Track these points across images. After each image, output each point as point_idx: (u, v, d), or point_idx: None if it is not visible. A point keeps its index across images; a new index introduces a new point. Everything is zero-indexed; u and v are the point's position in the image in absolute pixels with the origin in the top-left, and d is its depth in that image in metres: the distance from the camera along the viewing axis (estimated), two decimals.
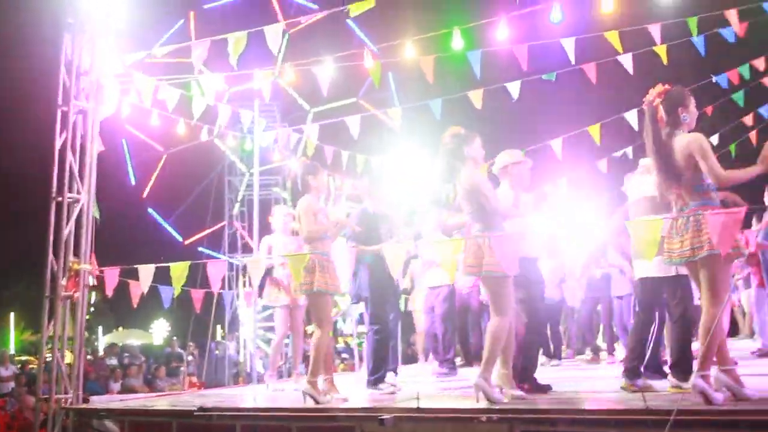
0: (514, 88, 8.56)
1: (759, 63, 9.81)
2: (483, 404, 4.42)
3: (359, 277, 6.18)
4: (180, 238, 19.43)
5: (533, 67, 7.63)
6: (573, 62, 7.83)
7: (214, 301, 8.85)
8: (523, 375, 5.15)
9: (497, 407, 4.29)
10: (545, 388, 5.18)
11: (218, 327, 20.66)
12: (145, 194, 17.73)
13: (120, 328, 40.81)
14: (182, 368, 16.81)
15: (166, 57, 6.88)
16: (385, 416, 4.29)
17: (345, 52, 7.12)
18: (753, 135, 12.05)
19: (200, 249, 17.41)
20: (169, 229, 19.36)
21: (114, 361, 16.35)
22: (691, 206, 4.08)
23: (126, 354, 18.52)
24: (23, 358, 25.60)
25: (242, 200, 18.98)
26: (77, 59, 6.84)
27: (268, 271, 7.09)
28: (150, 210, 16.88)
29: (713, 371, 3.92)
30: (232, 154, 15.36)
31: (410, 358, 14.43)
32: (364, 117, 8.66)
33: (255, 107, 8.86)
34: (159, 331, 45.40)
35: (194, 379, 15.79)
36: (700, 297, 4.15)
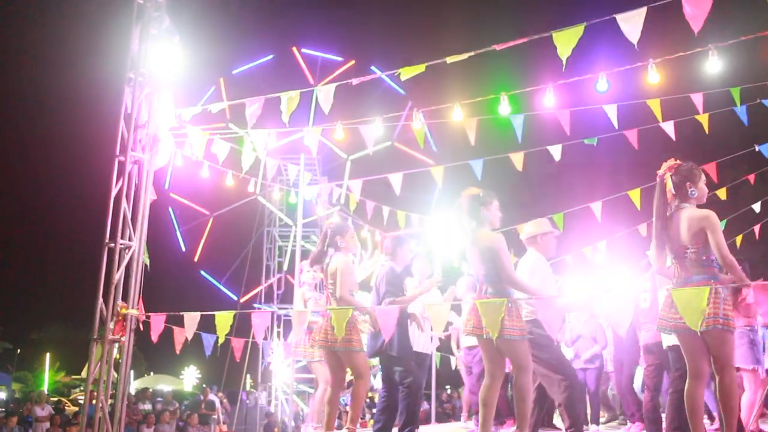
0: (556, 150, 8.71)
1: None
2: None
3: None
4: (235, 297, 19.86)
5: (576, 131, 7.76)
6: (616, 127, 7.96)
7: (248, 350, 8.94)
8: None
9: None
10: None
11: (248, 376, 20.80)
12: (196, 258, 18.36)
13: (151, 373, 41.04)
14: (214, 416, 16.84)
15: (220, 112, 7.17)
16: None
17: (388, 112, 7.35)
18: None
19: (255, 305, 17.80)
20: (224, 290, 19.77)
21: (147, 406, 16.43)
22: (694, 279, 4.20)
23: (159, 399, 18.63)
24: (55, 399, 25.88)
25: (284, 252, 19.37)
26: (135, 112, 7.18)
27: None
28: (203, 273, 17.40)
29: None
30: (276, 207, 15.76)
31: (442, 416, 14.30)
32: (406, 175, 8.82)
33: (301, 162, 9.12)
34: (189, 377, 45.53)
35: (225, 428, 15.77)
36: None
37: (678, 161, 4.47)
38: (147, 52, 7.13)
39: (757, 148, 10.17)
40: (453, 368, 9.95)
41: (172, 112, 7.41)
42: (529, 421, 4.76)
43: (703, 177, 4.44)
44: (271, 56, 20.12)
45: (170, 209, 19.84)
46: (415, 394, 6.09)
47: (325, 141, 13.66)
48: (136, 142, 7.19)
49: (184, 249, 20.25)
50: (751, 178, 11.00)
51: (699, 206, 4.39)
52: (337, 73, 20.30)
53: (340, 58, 20.93)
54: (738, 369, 6.54)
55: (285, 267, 19.60)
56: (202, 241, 19.81)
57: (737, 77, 7.89)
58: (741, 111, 8.51)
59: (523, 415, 4.71)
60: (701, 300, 4.07)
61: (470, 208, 4.92)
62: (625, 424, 8.74)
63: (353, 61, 20.84)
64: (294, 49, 20.79)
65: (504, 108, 6.64)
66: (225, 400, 17.72)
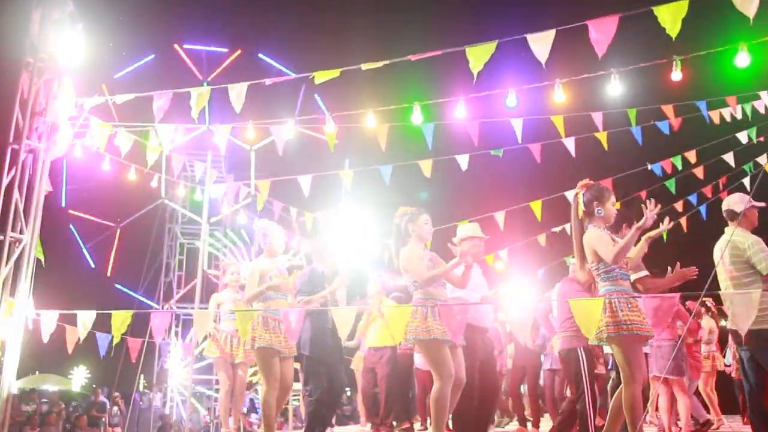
0: (463, 160, 8.94)
1: (690, 155, 10.51)
2: None
3: (301, 335, 6.20)
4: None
5: (483, 142, 7.97)
6: (520, 141, 8.25)
7: (143, 351, 8.66)
8: None
9: None
10: None
11: (141, 377, 20.17)
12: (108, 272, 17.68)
13: (36, 372, 38.97)
14: (103, 419, 16.21)
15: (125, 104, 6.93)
16: None
17: (302, 115, 7.31)
18: (683, 221, 12.78)
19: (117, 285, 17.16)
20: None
21: (31, 407, 15.61)
22: (601, 291, 4.43)
23: (44, 400, 17.73)
24: None
25: (185, 250, 18.90)
26: (32, 99, 6.83)
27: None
28: (118, 285, 16.77)
29: None
30: (180, 205, 15.35)
31: (342, 418, 14.31)
32: (315, 176, 8.80)
33: (208, 159, 8.92)
34: (78, 377, 43.55)
35: (118, 431, 15.21)
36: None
37: (590, 181, 4.70)
38: (48, 37, 6.79)
39: (649, 167, 10.80)
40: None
41: (73, 101, 7.08)
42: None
43: (612, 199, 4.65)
44: (152, 56, 19.61)
45: (71, 227, 19.14)
46: (317, 401, 6.10)
47: (234, 140, 13.41)
48: (32, 130, 6.84)
49: (93, 265, 19.53)
50: (643, 194, 11.62)
51: (608, 226, 4.60)
52: (225, 64, 20.11)
53: (224, 50, 20.68)
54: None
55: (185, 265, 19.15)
56: (113, 255, 19.21)
57: (635, 100, 8.34)
58: (636, 131, 8.99)
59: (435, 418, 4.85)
60: (597, 310, 4.27)
61: (400, 224, 5.19)
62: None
63: (239, 51, 20.63)
64: (176, 46, 20.37)
65: (416, 117, 6.75)
66: (121, 401, 17.07)
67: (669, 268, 5.07)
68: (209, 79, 19.50)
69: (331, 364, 6.37)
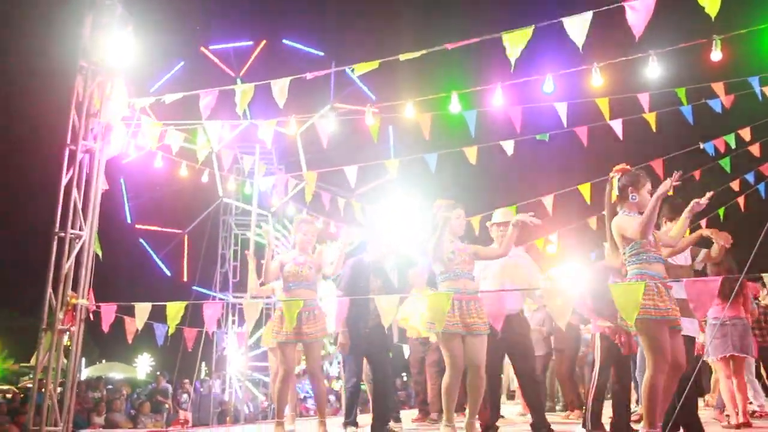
0: (508, 145, 8.91)
1: (744, 133, 10.22)
2: None
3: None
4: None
5: (527, 128, 7.95)
6: (565, 125, 8.18)
7: (202, 339, 8.96)
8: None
9: None
10: None
11: (202, 364, 20.76)
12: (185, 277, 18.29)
13: (103, 361, 40.41)
14: (166, 404, 16.73)
15: (174, 103, 7.16)
16: None
17: (345, 105, 7.43)
18: (741, 200, 12.45)
19: (195, 287, 17.64)
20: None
21: (98, 394, 16.23)
22: (630, 275, 4.44)
23: (109, 387, 18.41)
24: (4, 387, 25.36)
25: (239, 241, 19.33)
26: (87, 101, 7.11)
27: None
28: (196, 287, 17.35)
29: None
30: (233, 197, 15.71)
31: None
32: (361, 168, 8.90)
33: (256, 153, 9.12)
34: (143, 365, 45.00)
35: (188, 416, 15.68)
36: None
37: (627, 166, 4.66)
38: (99, 41, 7.04)
39: (701, 146, 10.54)
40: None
41: (125, 101, 7.34)
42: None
43: (648, 186, 4.59)
44: (181, 63, 19.87)
45: (141, 240, 19.92)
46: (351, 389, 6.32)
47: (280, 129, 13.64)
48: (87, 131, 7.12)
49: (168, 273, 20.37)
50: (697, 174, 11.37)
51: (641, 213, 4.55)
52: (253, 57, 20.29)
53: (250, 42, 20.87)
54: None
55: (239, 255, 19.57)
56: (185, 260, 19.93)
57: (680, 80, 8.18)
58: (686, 110, 8.81)
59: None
60: (636, 294, 4.26)
61: (437, 218, 5.28)
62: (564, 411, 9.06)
63: (264, 41, 20.77)
64: (203, 48, 20.64)
65: (454, 105, 6.78)
66: (190, 388, 17.63)
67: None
68: (241, 74, 19.79)
69: (371, 354, 6.49)
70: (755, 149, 10.88)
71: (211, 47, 20.68)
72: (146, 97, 7.28)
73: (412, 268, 8.30)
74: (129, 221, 19.21)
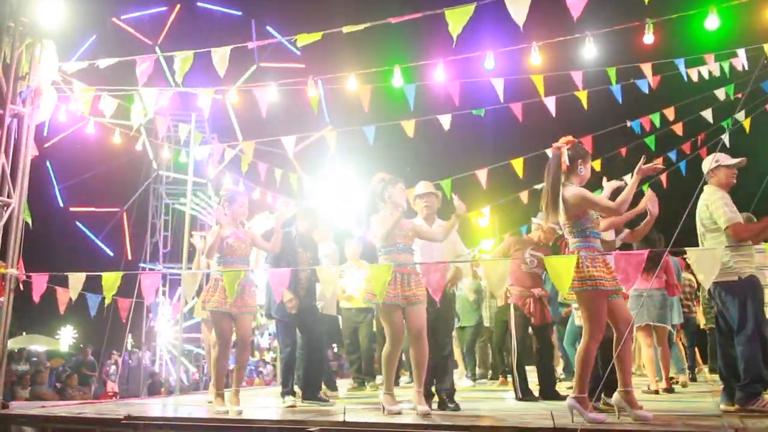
0: (445, 119, 9.06)
1: (669, 112, 10.69)
2: (407, 419, 4.73)
3: (271, 297, 6.42)
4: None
5: (463, 103, 8.09)
6: (502, 100, 8.37)
7: (131, 311, 8.80)
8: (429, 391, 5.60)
9: (417, 423, 4.58)
10: (457, 407, 5.52)
11: (129, 336, 20.41)
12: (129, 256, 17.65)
13: (24, 333, 39.12)
14: (93, 377, 16.46)
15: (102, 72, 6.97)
16: (312, 429, 4.52)
17: (287, 79, 7.39)
18: (663, 177, 13.04)
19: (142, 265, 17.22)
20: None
21: (23, 367, 15.79)
22: (571, 248, 4.58)
23: (34, 359, 17.92)
24: None
25: (170, 211, 18.97)
26: (15, 63, 6.84)
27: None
28: (142, 264, 16.76)
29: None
30: (165, 166, 15.35)
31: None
32: (299, 137, 8.89)
33: (192, 121, 8.96)
34: (66, 338, 43.78)
35: (115, 387, 15.45)
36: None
37: (573, 138, 4.78)
38: (28, 1, 6.77)
39: (629, 124, 10.97)
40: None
41: (55, 65, 7.10)
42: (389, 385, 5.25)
43: (590, 161, 4.76)
44: (93, 37, 19.10)
45: (78, 223, 19.16)
46: (287, 359, 6.37)
47: (218, 98, 13.40)
48: (15, 95, 6.87)
49: (111, 254, 19.71)
50: (623, 151, 11.81)
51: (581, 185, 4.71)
52: (170, 22, 19.78)
53: (163, 8, 20.31)
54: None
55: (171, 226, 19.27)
56: (128, 239, 19.28)
57: (613, 60, 8.45)
58: (616, 90, 9.12)
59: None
60: (569, 267, 4.45)
61: (378, 190, 5.36)
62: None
63: (178, 6, 20.26)
64: (115, 20, 19.96)
65: (397, 80, 6.84)
66: (118, 359, 17.33)
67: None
68: (159, 42, 19.23)
69: (303, 324, 6.56)
70: (678, 128, 11.40)
71: (123, 17, 19.98)
72: (79, 61, 7.05)
73: (349, 240, 8.38)
74: (61, 205, 18.57)
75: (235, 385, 5.79)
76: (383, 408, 5.14)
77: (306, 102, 7.52)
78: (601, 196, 4.59)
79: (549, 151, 10.44)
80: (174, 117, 11.94)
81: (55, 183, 18.20)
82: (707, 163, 5.18)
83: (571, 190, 4.58)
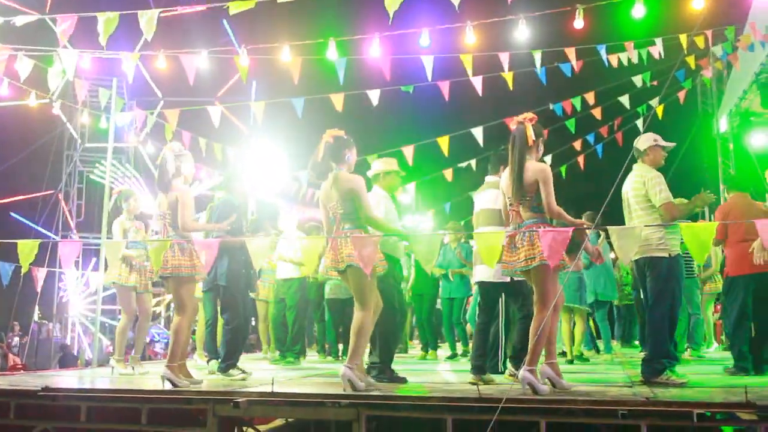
0: (374, 95, 9.09)
1: (589, 96, 11.08)
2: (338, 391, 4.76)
3: (217, 266, 6.25)
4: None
5: (395, 80, 8.14)
6: (430, 78, 8.47)
7: (39, 281, 8.49)
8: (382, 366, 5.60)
9: (346, 393, 4.63)
10: (401, 380, 5.53)
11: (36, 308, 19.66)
12: None
13: None
14: (2, 348, 15.82)
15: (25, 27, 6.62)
16: (239, 399, 4.51)
17: (214, 47, 7.22)
18: (581, 159, 13.54)
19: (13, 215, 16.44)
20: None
21: None
22: (526, 223, 4.67)
23: None
24: None
25: (81, 178, 18.31)
26: None
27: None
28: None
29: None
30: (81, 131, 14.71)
31: (247, 347, 14.54)
32: (226, 107, 8.73)
33: (113, 86, 8.62)
34: None
35: (17, 360, 14.90)
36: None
37: (535, 116, 4.86)
38: None
39: (551, 107, 11.31)
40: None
41: None
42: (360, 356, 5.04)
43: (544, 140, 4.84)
44: None
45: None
46: (234, 330, 6.22)
47: (143, 68, 12.95)
48: None
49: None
50: (545, 133, 12.14)
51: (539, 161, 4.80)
52: (184, 9, 19.04)
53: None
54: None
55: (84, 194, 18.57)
56: (69, 219, 18.31)
57: (541, 44, 8.68)
58: (540, 72, 9.37)
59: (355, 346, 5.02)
60: (497, 242, 4.59)
61: (335, 149, 4.99)
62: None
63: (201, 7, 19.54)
64: None
65: (331, 52, 6.79)
66: (19, 330, 16.68)
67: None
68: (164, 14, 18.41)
69: (244, 295, 6.52)
70: (597, 112, 11.82)
71: None
72: None
73: (279, 213, 8.34)
74: None
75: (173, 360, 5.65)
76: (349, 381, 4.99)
77: (234, 71, 7.40)
78: (551, 192, 4.65)
79: (474, 131, 10.68)
80: (93, 82, 11.48)
81: None
82: (643, 141, 5.30)
83: (535, 165, 4.69)
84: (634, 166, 5.32)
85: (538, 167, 4.68)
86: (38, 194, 16.77)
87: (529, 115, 4.83)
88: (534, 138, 4.72)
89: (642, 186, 5.14)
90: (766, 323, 6.15)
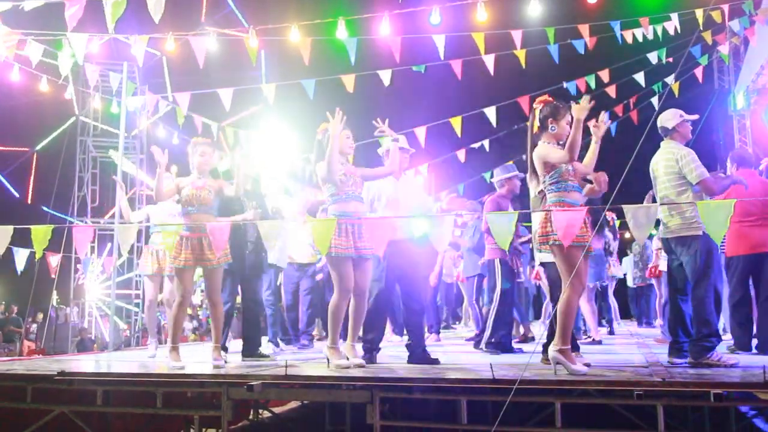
0: (385, 75, 8.99)
1: (603, 74, 10.90)
2: (354, 372, 4.79)
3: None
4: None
5: (406, 59, 8.04)
6: (442, 57, 8.37)
7: (58, 266, 8.54)
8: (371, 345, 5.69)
9: (360, 376, 4.64)
10: (434, 361, 5.53)
11: (54, 293, 19.83)
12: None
13: None
14: (19, 334, 16.02)
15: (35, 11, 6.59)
16: (253, 383, 4.51)
17: (224, 28, 7.16)
18: None
19: (45, 209, 16.55)
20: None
21: None
22: (549, 203, 4.65)
23: None
24: None
25: (96, 163, 18.36)
26: None
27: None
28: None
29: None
30: (92, 117, 14.69)
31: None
32: (236, 91, 8.67)
33: (124, 70, 8.60)
34: None
35: (33, 346, 15.08)
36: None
37: (549, 98, 4.82)
38: None
39: (564, 85, 11.14)
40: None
41: None
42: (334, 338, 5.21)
43: (568, 117, 4.69)
44: None
45: None
46: (228, 317, 6.34)
47: (152, 51, 12.90)
48: None
49: (17, 195, 18.71)
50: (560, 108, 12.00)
51: (561, 144, 4.70)
52: None
53: None
54: None
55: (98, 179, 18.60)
56: (31, 182, 18.36)
57: (553, 21, 8.54)
58: (553, 50, 9.23)
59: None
60: (510, 224, 4.55)
61: (321, 142, 5.25)
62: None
63: None
64: None
65: (341, 32, 6.72)
66: (40, 316, 16.85)
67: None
68: None
69: (246, 279, 6.54)
70: (612, 90, 11.64)
71: None
72: (2, 1, 6.64)
73: (289, 196, 8.30)
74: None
75: (216, 342, 5.70)
76: (328, 362, 5.14)
77: (244, 54, 7.34)
78: (550, 149, 4.64)
79: (487, 111, 10.58)
80: (105, 66, 11.47)
81: None
82: (670, 118, 5.22)
83: (536, 151, 4.72)
84: (662, 144, 5.24)
85: (536, 151, 4.71)
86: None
87: (541, 98, 4.80)
88: (539, 123, 4.73)
89: (675, 164, 5.05)
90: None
